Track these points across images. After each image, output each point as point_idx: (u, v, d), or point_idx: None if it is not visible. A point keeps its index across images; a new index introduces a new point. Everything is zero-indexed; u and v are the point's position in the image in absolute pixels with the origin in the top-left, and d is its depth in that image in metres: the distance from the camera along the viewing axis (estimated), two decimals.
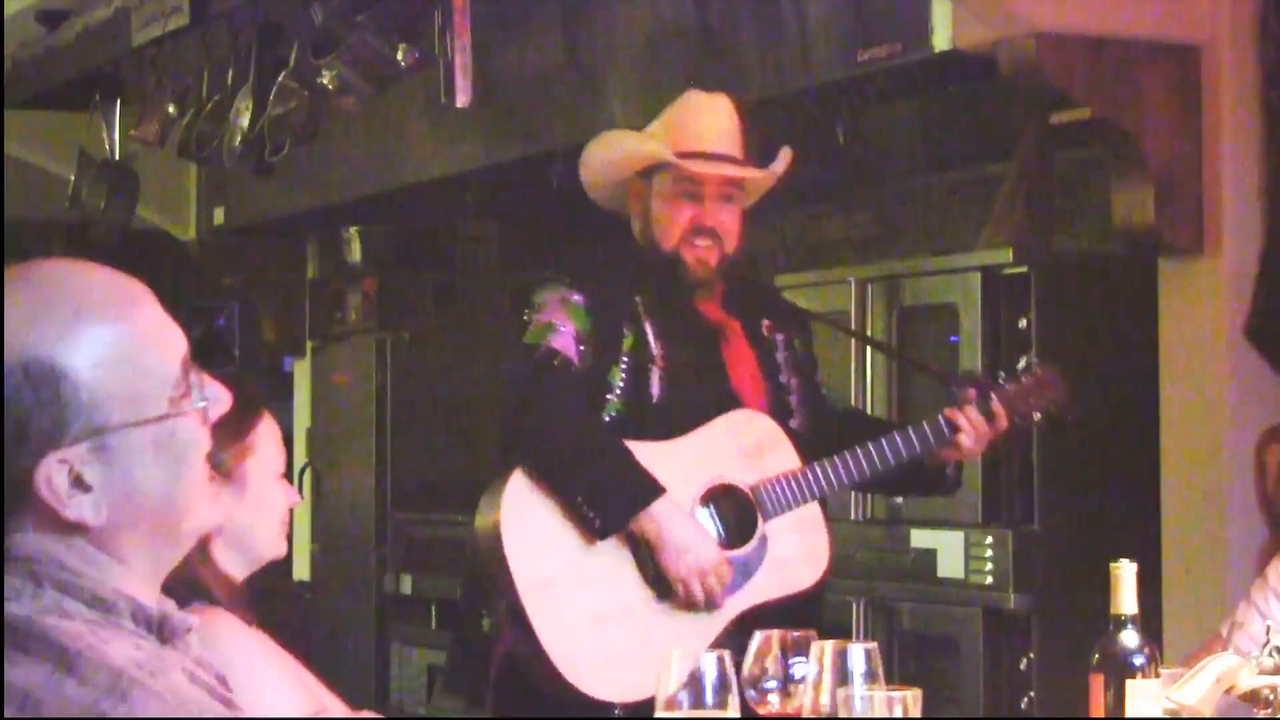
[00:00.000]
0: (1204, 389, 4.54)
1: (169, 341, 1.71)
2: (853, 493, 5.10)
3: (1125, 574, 2.73)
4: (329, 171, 7.16)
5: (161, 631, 1.67)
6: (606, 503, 3.59)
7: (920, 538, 4.95)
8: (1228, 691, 2.81)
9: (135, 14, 6.43)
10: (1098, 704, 2.72)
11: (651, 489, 3.58)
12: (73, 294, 1.67)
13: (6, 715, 1.56)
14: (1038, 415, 3.88)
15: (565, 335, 3.65)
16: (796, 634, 2.65)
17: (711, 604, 3.59)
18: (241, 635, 2.59)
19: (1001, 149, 5.46)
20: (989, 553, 4.76)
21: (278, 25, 6.17)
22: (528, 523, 3.61)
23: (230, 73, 6.32)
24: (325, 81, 5.67)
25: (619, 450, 3.62)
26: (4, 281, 1.66)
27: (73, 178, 7.40)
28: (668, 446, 3.68)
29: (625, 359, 3.68)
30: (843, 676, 2.51)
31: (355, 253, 8.01)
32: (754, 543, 3.67)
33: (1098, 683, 2.72)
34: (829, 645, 2.54)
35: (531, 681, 3.65)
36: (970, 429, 3.75)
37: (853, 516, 5.13)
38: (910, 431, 3.78)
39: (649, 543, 3.58)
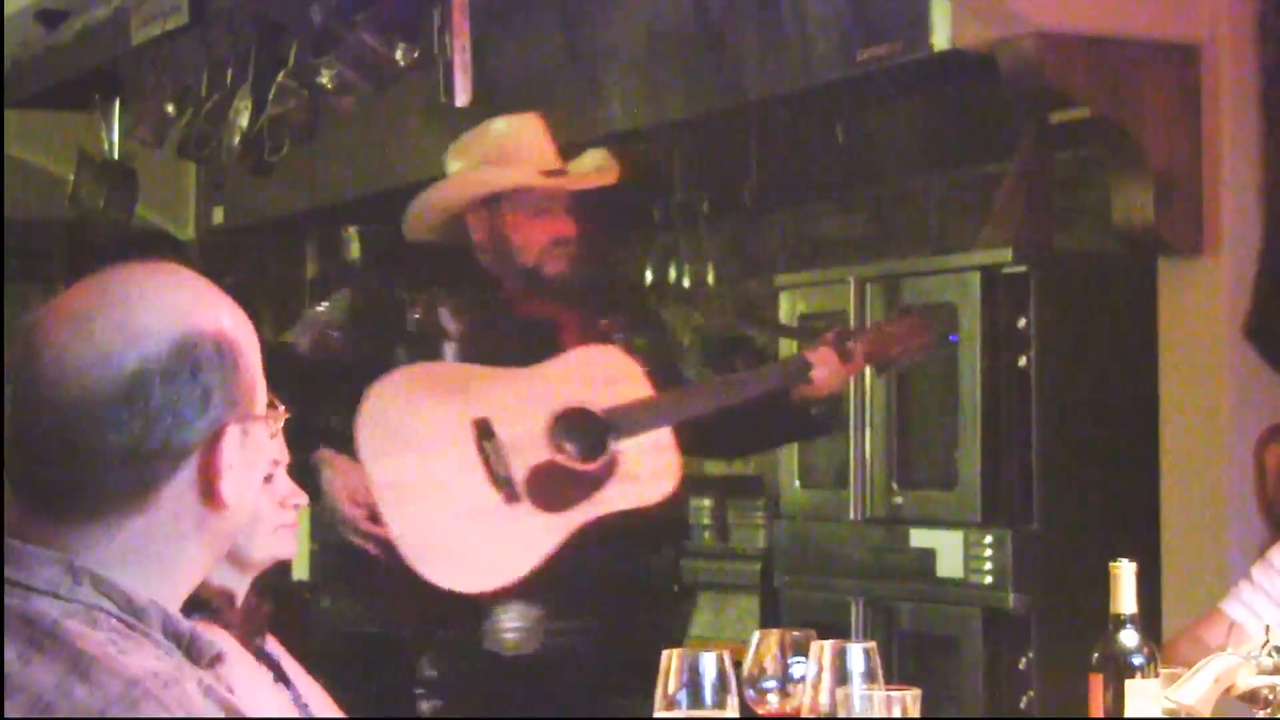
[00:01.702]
0: (1204, 388, 4.54)
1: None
2: (851, 493, 5.11)
3: (1125, 573, 2.73)
4: (328, 171, 7.16)
5: (190, 651, 1.67)
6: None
7: (919, 537, 4.95)
8: (1227, 691, 2.81)
9: (134, 13, 6.43)
10: (1097, 704, 2.72)
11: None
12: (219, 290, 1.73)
13: (17, 716, 1.56)
14: (902, 360, 4.22)
15: (309, 326, 4.03)
16: (796, 633, 2.65)
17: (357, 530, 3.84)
18: (235, 656, 2.58)
19: (1001, 148, 5.46)
20: (988, 552, 4.76)
21: (277, 24, 6.16)
22: (380, 429, 3.84)
23: (229, 72, 6.31)
24: (324, 81, 5.67)
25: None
26: (146, 270, 1.69)
27: (72, 177, 7.40)
28: (520, 372, 3.95)
29: (410, 334, 3.97)
30: (842, 676, 2.51)
31: (354, 252, 8.01)
32: (603, 459, 3.90)
33: (1097, 682, 2.72)
34: (828, 645, 2.54)
35: (380, 577, 3.91)
36: (822, 365, 4.03)
37: (851, 516, 5.13)
38: (765, 368, 4.14)
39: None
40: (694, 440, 4.03)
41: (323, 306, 4.06)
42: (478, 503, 3.84)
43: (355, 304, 4.02)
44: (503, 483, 3.84)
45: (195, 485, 1.67)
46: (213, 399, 1.66)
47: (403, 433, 3.85)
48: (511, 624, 3.89)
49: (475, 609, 3.87)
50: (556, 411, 3.90)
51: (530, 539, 3.84)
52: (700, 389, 4.02)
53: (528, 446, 3.87)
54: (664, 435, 3.97)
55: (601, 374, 3.98)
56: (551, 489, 3.87)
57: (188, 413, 1.65)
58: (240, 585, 2.76)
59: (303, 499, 2.83)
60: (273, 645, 2.81)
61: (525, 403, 3.90)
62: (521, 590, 3.87)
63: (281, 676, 2.76)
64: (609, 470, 3.90)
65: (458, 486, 3.84)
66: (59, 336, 1.64)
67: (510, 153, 4.09)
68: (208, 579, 2.62)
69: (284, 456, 2.78)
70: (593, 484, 3.89)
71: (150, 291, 1.67)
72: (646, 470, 3.95)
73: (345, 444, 3.86)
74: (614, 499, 3.91)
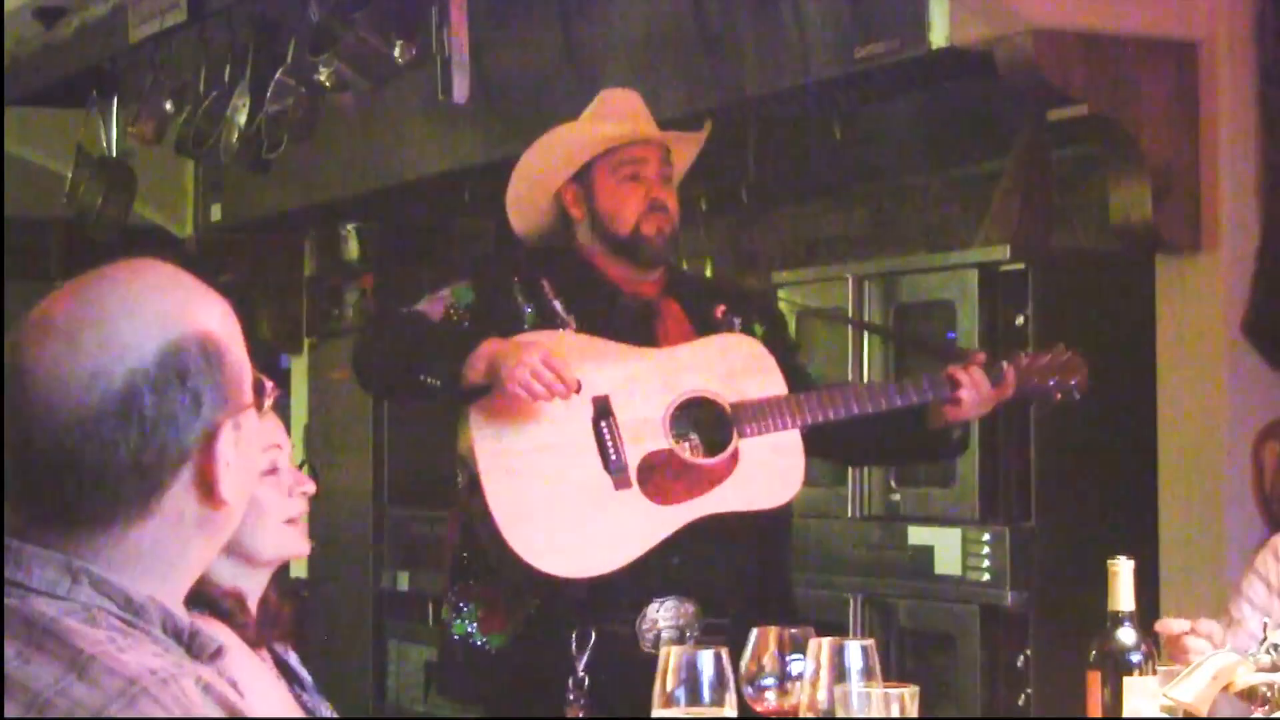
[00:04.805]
0: (1201, 386, 4.54)
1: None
2: (850, 491, 5.11)
3: (1122, 571, 2.73)
4: (326, 168, 7.16)
5: (191, 647, 1.68)
6: (437, 366, 3.67)
7: (918, 534, 4.95)
8: (1225, 689, 2.81)
9: (133, 11, 6.43)
10: (1095, 701, 2.72)
11: (476, 339, 3.66)
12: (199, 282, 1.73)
13: (16, 716, 1.56)
14: (1057, 394, 3.87)
15: (435, 301, 3.83)
16: (794, 631, 2.65)
17: (557, 393, 3.58)
18: (237, 651, 2.56)
19: (999, 146, 5.46)
20: (986, 550, 4.76)
21: (275, 22, 6.17)
22: (494, 405, 3.65)
23: (227, 69, 6.32)
24: (322, 78, 5.67)
25: (450, 333, 3.74)
26: (125, 275, 1.68)
27: (70, 175, 7.40)
28: (651, 353, 3.76)
29: (527, 329, 3.75)
30: (840, 674, 2.51)
31: (353, 250, 8.01)
32: (724, 455, 3.71)
33: (1095, 680, 2.72)
34: (826, 642, 2.54)
35: (488, 561, 3.71)
36: (972, 386, 3.75)
37: (850, 513, 5.13)
38: (908, 382, 3.81)
39: (491, 379, 3.60)
40: (815, 443, 3.82)
41: (444, 291, 3.85)
42: (585, 483, 3.65)
43: (477, 294, 3.81)
44: (615, 466, 3.66)
45: (194, 487, 1.67)
46: (204, 401, 1.66)
47: (513, 411, 3.65)
48: (667, 622, 3.69)
49: (624, 605, 3.68)
50: (681, 399, 3.71)
51: (635, 529, 3.64)
52: (837, 394, 3.75)
53: (646, 432, 3.68)
54: (791, 437, 3.74)
55: (735, 365, 3.76)
56: (664, 480, 3.68)
57: (181, 419, 1.65)
58: (252, 585, 2.67)
59: (310, 486, 2.74)
60: (286, 649, 2.77)
61: (650, 386, 3.71)
62: (671, 586, 3.69)
63: (294, 678, 2.73)
64: (728, 467, 3.70)
65: (567, 462, 3.65)
66: (46, 355, 1.63)
67: (604, 120, 3.94)
68: (219, 579, 2.59)
69: (286, 442, 2.76)
70: (709, 480, 3.69)
71: (131, 300, 1.66)
72: (768, 472, 3.73)
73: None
74: (729, 499, 3.69)
